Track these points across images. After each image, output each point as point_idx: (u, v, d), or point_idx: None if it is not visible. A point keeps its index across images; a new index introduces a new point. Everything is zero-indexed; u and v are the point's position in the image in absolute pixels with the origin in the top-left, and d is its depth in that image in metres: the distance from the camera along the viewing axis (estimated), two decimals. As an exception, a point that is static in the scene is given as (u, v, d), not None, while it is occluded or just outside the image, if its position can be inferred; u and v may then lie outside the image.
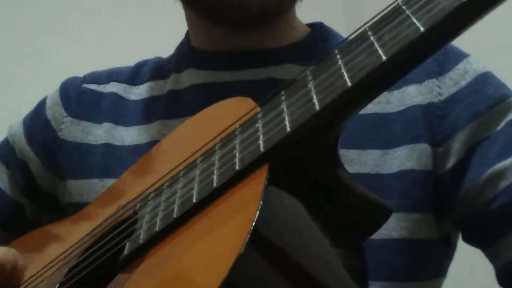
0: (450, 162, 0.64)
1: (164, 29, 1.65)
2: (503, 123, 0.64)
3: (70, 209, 0.70)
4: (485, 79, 0.67)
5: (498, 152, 0.62)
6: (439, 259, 0.68)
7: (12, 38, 1.96)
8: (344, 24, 2.06)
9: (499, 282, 0.63)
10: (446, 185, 0.64)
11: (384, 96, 0.68)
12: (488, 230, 0.63)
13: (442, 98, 0.66)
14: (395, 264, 0.63)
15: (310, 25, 0.77)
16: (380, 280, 0.62)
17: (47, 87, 0.82)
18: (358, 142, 0.66)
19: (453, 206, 0.64)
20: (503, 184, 0.61)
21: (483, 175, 0.62)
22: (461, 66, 0.67)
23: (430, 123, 0.65)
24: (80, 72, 0.81)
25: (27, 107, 0.82)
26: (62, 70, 0.87)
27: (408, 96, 0.67)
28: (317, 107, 0.42)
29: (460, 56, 0.69)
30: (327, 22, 0.78)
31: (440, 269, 0.69)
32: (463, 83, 0.66)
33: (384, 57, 0.40)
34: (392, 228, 0.63)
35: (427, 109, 0.66)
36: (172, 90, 0.74)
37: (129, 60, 0.82)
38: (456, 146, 0.64)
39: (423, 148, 0.65)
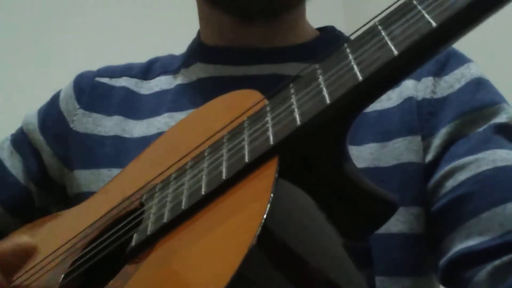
0: (428, 158, 0.65)
1: (173, 30, 1.65)
2: (484, 126, 0.64)
3: (78, 199, 0.71)
4: (479, 84, 0.67)
5: (468, 148, 0.63)
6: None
7: (15, 37, 1.95)
8: (344, 24, 2.06)
9: (441, 283, 0.63)
10: (425, 180, 0.65)
11: (386, 94, 0.68)
12: (442, 223, 0.63)
13: (435, 96, 0.67)
14: (395, 259, 0.64)
15: (322, 29, 0.78)
16: (379, 274, 0.62)
17: (50, 86, 0.83)
18: (357, 138, 0.66)
19: (425, 201, 0.65)
20: (463, 176, 0.61)
21: (446, 167, 0.63)
22: (459, 71, 0.68)
23: (420, 117, 0.66)
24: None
25: (28, 107, 0.83)
26: (65, 70, 0.88)
27: (405, 89, 0.68)
28: (328, 101, 0.42)
29: (461, 61, 0.69)
30: (327, 22, 0.78)
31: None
32: (457, 86, 0.67)
33: (395, 52, 0.40)
34: (391, 222, 0.63)
35: (420, 104, 0.67)
36: (180, 84, 0.75)
37: (137, 59, 0.83)
38: (436, 142, 0.65)
39: (419, 140, 0.66)
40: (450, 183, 0.62)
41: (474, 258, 0.59)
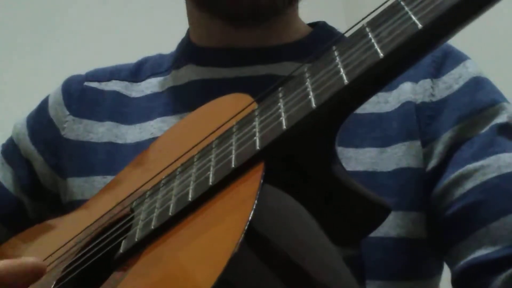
0: (432, 164, 0.64)
1: (165, 27, 1.65)
2: (486, 127, 0.63)
3: (72, 207, 0.70)
4: (477, 83, 0.66)
5: (472, 153, 0.62)
6: (436, 258, 0.68)
7: (11, 37, 1.95)
8: (345, 24, 2.05)
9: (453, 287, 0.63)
10: (427, 185, 0.64)
11: (382, 96, 0.68)
12: (451, 231, 0.62)
13: (434, 99, 0.66)
14: (392, 263, 0.63)
15: (313, 24, 0.77)
16: (377, 279, 0.62)
17: (45, 87, 0.82)
18: (356, 141, 0.65)
19: (430, 207, 0.64)
20: (470, 185, 0.61)
21: (453, 174, 0.62)
22: (456, 71, 0.67)
23: (419, 122, 0.65)
24: (80, 72, 0.81)
25: (25, 108, 0.82)
26: (61, 70, 0.87)
27: (403, 93, 0.67)
28: (313, 105, 0.42)
29: (458, 60, 0.68)
30: (327, 22, 0.77)
31: (437, 267, 0.69)
32: (455, 87, 0.66)
33: (381, 54, 0.40)
34: (390, 226, 0.62)
35: (419, 108, 0.66)
36: (171, 87, 0.74)
37: (129, 58, 0.82)
38: (439, 148, 0.64)
39: (418, 145, 0.65)
40: (458, 191, 0.62)
41: (487, 268, 0.59)
